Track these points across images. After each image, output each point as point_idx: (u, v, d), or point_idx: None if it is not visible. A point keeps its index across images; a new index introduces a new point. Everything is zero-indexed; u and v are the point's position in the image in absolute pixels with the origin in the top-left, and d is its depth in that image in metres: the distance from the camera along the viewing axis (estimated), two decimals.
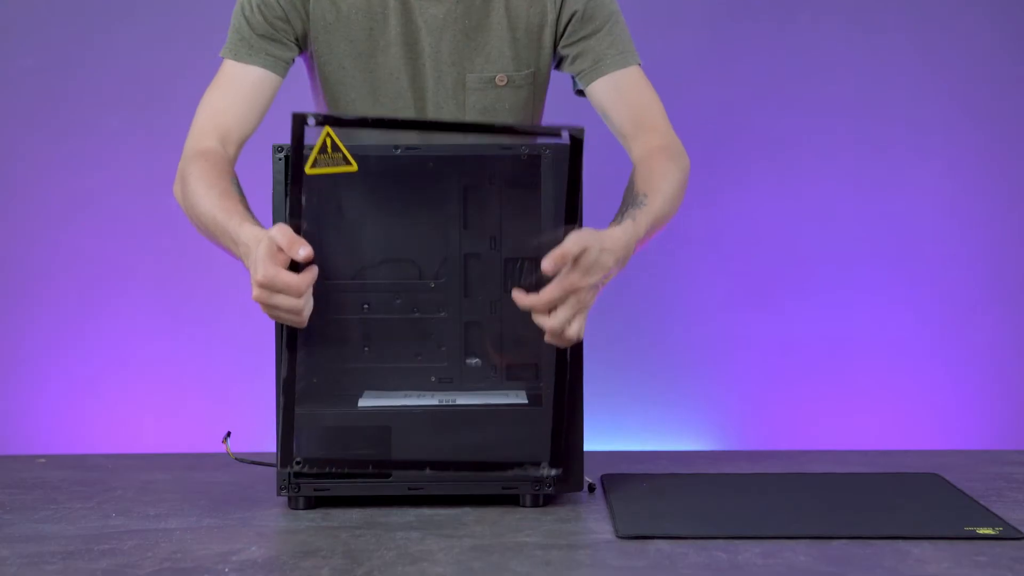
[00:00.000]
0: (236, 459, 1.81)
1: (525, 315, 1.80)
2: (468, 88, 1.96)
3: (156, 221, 2.68)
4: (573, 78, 1.99)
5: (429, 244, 1.82)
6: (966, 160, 2.66)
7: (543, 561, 1.46)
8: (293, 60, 1.96)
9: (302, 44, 1.95)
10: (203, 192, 1.77)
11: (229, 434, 1.80)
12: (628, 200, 1.78)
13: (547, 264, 1.56)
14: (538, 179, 1.72)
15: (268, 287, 1.57)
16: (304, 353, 1.78)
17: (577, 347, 1.72)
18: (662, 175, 1.82)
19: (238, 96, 1.91)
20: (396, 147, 1.74)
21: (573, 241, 1.57)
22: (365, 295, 1.82)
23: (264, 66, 1.91)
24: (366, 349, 1.82)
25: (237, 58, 1.91)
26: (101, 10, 2.65)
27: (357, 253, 1.82)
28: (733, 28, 2.65)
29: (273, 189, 1.73)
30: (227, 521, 1.67)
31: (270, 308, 1.60)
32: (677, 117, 2.67)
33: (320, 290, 1.79)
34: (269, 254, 1.57)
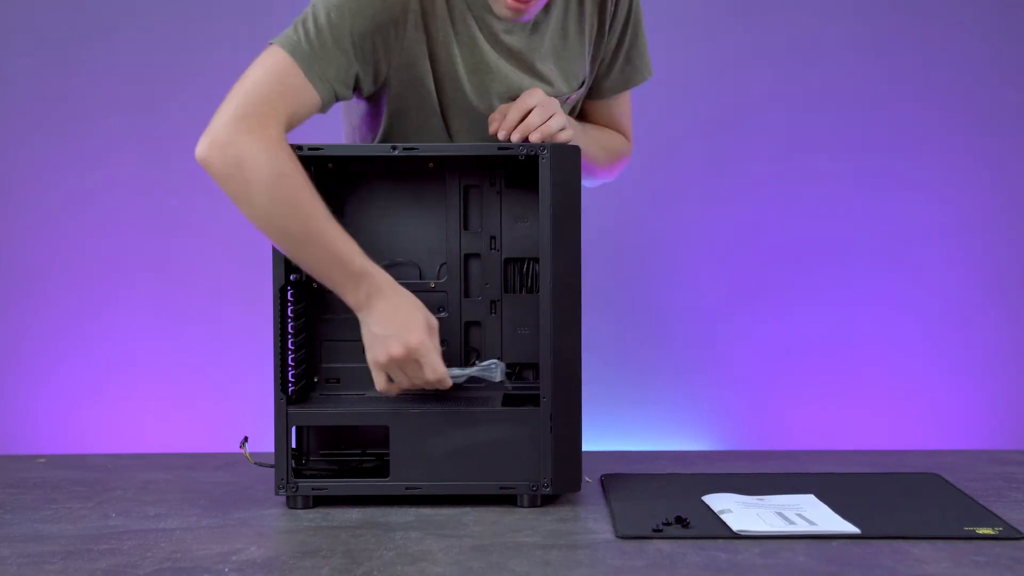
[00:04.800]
0: (256, 464, 1.80)
1: (525, 315, 1.80)
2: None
3: (156, 221, 2.68)
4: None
5: (429, 244, 1.82)
6: (966, 161, 2.66)
7: (542, 561, 1.46)
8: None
9: (376, 79, 1.78)
10: (310, 198, 1.67)
11: (247, 439, 1.80)
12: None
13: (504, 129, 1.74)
14: (537, 179, 1.72)
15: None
16: (304, 353, 1.79)
17: (577, 347, 1.72)
18: (619, 141, 2.02)
19: (297, 109, 1.72)
20: (395, 147, 1.73)
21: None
22: None
23: (324, 95, 1.73)
24: None
25: (308, 73, 1.71)
26: (101, 10, 2.65)
27: None
28: (733, 30, 2.65)
29: None
30: (227, 521, 1.67)
31: (405, 374, 1.69)
32: (678, 119, 2.68)
33: (320, 290, 1.80)
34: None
